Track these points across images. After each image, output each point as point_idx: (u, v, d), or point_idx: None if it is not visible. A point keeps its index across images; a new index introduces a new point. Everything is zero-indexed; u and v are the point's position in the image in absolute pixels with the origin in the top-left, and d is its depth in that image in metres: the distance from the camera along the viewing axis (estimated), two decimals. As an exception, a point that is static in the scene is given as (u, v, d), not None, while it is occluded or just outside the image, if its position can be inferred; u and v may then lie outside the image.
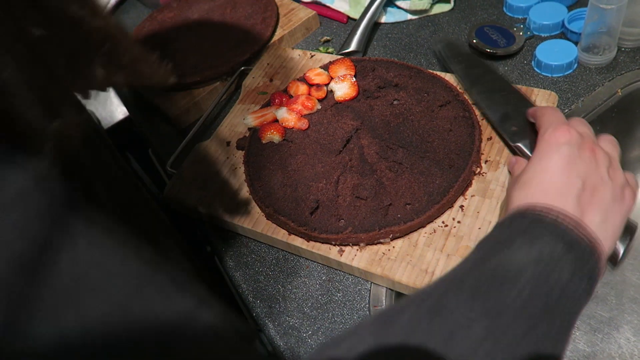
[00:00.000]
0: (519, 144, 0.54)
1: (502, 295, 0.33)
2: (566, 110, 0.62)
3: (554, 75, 0.66)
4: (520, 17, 0.75)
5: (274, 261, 0.57)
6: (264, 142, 0.62)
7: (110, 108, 1.02)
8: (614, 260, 0.44)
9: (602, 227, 0.40)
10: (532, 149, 0.51)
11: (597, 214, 0.41)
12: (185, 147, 0.68)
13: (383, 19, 0.81)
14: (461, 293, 0.34)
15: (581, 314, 0.62)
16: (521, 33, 0.71)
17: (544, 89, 0.61)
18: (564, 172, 0.42)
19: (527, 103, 0.57)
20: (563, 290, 0.35)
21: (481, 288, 0.34)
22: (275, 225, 0.56)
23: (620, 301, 0.64)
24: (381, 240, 0.52)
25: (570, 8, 0.71)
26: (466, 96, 0.61)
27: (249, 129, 0.66)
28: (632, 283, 0.65)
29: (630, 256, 0.68)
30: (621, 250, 0.44)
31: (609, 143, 0.47)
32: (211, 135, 0.68)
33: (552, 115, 0.48)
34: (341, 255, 0.53)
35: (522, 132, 0.54)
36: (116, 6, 1.02)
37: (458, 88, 0.62)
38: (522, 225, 0.39)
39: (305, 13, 0.82)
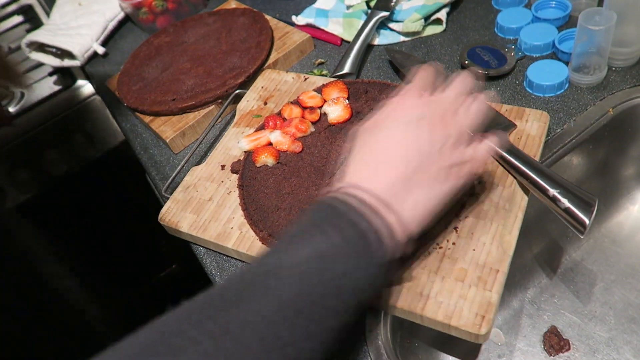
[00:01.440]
0: None
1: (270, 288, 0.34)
2: (559, 129, 0.63)
3: (546, 95, 0.66)
4: (511, 37, 0.75)
5: (268, 285, 0.56)
6: (258, 165, 0.62)
7: (108, 131, 1.02)
8: (581, 231, 0.49)
9: (412, 210, 0.40)
10: (500, 145, 0.54)
11: (416, 195, 0.40)
12: (180, 172, 0.69)
13: (376, 41, 0.82)
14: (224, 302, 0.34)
15: (580, 334, 0.61)
16: (512, 54, 0.71)
17: (536, 108, 0.62)
18: (394, 149, 0.41)
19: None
20: (339, 287, 0.35)
21: (245, 292, 0.34)
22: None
23: (619, 321, 0.64)
24: (375, 263, 0.51)
25: (560, 28, 0.72)
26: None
27: (244, 152, 0.66)
28: (631, 302, 0.65)
29: (627, 275, 0.67)
30: (587, 222, 0.48)
31: (471, 112, 0.45)
32: (206, 159, 0.68)
33: (414, 76, 0.46)
34: (335, 278, 0.52)
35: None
36: (113, 31, 1.03)
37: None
38: (315, 217, 0.39)
39: (299, 36, 0.83)
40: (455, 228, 0.53)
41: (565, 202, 0.50)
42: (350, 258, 0.36)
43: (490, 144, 0.46)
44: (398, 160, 0.41)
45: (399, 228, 0.39)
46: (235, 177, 0.64)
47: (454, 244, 0.52)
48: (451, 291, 0.48)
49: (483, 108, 0.46)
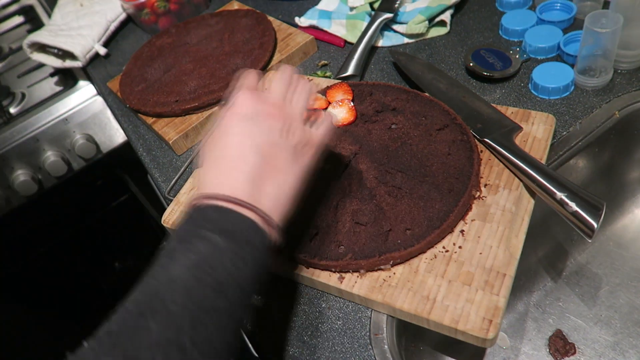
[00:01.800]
0: (486, 139, 0.58)
1: (164, 300, 0.36)
2: (564, 132, 0.62)
3: (551, 98, 0.66)
4: (516, 40, 0.75)
5: (272, 288, 0.56)
6: None
7: (109, 132, 1.02)
8: (588, 234, 0.48)
9: (274, 198, 0.42)
10: (498, 143, 0.57)
11: (270, 186, 0.42)
12: (183, 174, 0.68)
13: (380, 43, 0.82)
14: (126, 312, 0.36)
15: (585, 338, 0.61)
16: (517, 56, 0.71)
17: (542, 111, 0.62)
18: (238, 149, 0.43)
19: (483, 102, 0.62)
20: (233, 276, 0.38)
21: (147, 302, 0.36)
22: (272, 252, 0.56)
23: (625, 325, 0.63)
24: (381, 267, 0.51)
25: (565, 31, 0.72)
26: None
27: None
28: (636, 306, 0.64)
29: (633, 278, 0.67)
30: (596, 226, 0.48)
31: (298, 93, 0.48)
32: (209, 161, 0.68)
33: (239, 81, 0.48)
34: (341, 282, 0.52)
35: (487, 128, 0.59)
36: (115, 32, 1.03)
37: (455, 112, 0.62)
38: (189, 226, 0.40)
39: (302, 38, 0.83)
40: (462, 231, 0.53)
41: (573, 206, 0.49)
42: (226, 261, 0.38)
43: (328, 117, 0.50)
44: (242, 159, 0.43)
45: (262, 221, 0.41)
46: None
47: (460, 247, 0.51)
48: (458, 295, 0.48)
49: (308, 88, 0.50)
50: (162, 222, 0.63)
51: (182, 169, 0.69)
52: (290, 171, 0.44)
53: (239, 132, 0.44)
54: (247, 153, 0.43)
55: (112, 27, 1.01)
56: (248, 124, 0.44)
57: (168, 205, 0.65)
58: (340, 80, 0.72)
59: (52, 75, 1.05)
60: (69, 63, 0.98)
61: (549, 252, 0.70)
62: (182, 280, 0.37)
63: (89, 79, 0.99)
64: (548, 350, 0.63)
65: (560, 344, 0.63)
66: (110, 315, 0.36)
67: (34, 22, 1.22)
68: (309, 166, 0.47)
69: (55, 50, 0.97)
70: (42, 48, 0.98)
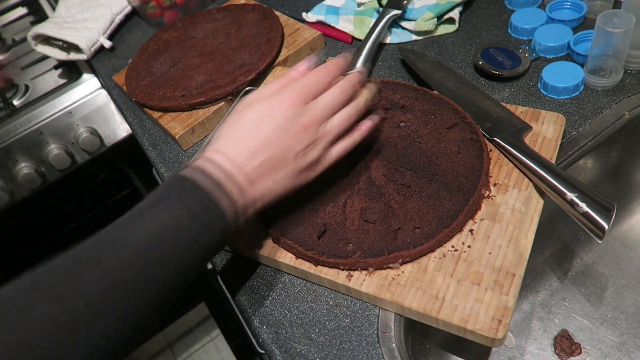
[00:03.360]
0: (496, 138, 0.58)
1: (105, 253, 0.37)
2: (574, 132, 0.62)
3: (561, 97, 0.66)
4: (525, 38, 0.75)
5: (280, 285, 0.56)
6: None
7: (114, 126, 1.01)
8: (599, 235, 0.49)
9: (266, 192, 0.46)
10: (508, 142, 0.57)
11: (269, 182, 0.46)
12: (190, 168, 0.68)
13: (388, 40, 0.82)
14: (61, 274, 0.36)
15: (591, 338, 0.61)
16: (527, 55, 0.71)
17: (551, 110, 0.61)
18: (264, 138, 0.45)
19: (492, 101, 0.63)
20: (180, 254, 0.39)
21: (92, 250, 0.38)
22: (282, 249, 0.56)
23: (630, 325, 0.63)
24: (390, 265, 0.51)
25: (575, 30, 0.72)
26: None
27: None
28: (642, 307, 0.64)
29: (639, 279, 0.67)
30: (606, 227, 0.48)
31: (342, 116, 0.49)
32: (216, 156, 0.67)
33: (319, 73, 0.49)
34: (350, 280, 0.52)
35: (497, 127, 0.59)
36: (120, 25, 1.02)
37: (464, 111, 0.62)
38: (166, 189, 0.42)
39: (310, 33, 0.83)
40: (471, 230, 0.52)
41: (584, 207, 0.49)
42: (193, 231, 0.40)
43: (344, 145, 0.51)
44: (262, 148, 0.45)
45: (244, 204, 0.44)
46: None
47: (469, 246, 0.51)
48: (467, 294, 0.48)
49: (357, 108, 0.51)
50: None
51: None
52: (288, 182, 0.47)
53: (270, 125, 0.45)
54: (265, 145, 0.45)
55: (118, 20, 1.01)
56: (285, 122, 0.46)
57: (174, 200, 0.64)
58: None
59: (56, 67, 1.05)
60: (73, 56, 0.97)
61: (555, 252, 0.69)
62: (144, 241, 0.39)
63: (94, 72, 0.98)
64: (554, 350, 0.63)
65: (566, 344, 0.63)
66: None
67: (37, 13, 1.22)
68: (309, 180, 0.50)
69: (60, 43, 0.97)
70: (47, 40, 0.97)
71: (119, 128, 1.02)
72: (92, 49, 0.96)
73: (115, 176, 1.10)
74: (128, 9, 1.02)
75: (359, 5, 0.87)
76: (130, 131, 1.01)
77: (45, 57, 1.06)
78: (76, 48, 0.96)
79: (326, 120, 0.49)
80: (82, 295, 0.35)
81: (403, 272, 0.51)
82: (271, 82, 0.50)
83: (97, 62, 0.97)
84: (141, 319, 0.38)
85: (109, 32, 0.99)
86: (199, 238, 0.41)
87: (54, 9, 1.15)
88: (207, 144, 0.48)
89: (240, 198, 0.44)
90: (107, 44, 0.96)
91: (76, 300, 0.35)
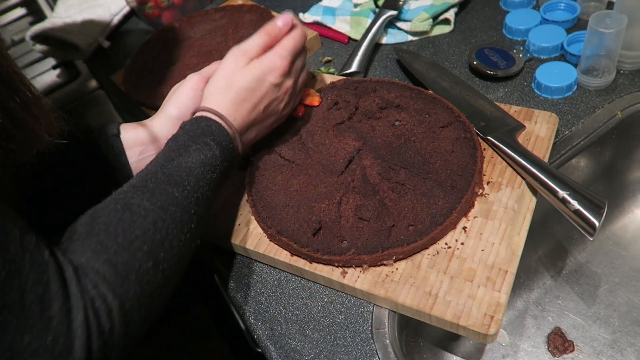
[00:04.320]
0: (490, 137, 0.59)
1: (172, 192, 0.46)
2: (567, 132, 0.63)
3: (554, 97, 0.66)
4: (519, 39, 0.76)
5: (275, 282, 0.56)
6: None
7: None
8: (590, 233, 0.50)
9: (251, 138, 0.58)
10: (501, 141, 0.58)
11: (255, 131, 0.58)
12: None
13: (384, 40, 0.82)
14: (145, 191, 0.46)
15: (584, 336, 0.62)
16: (521, 55, 0.71)
17: (544, 110, 0.62)
18: (249, 86, 0.55)
19: (487, 100, 0.64)
20: (211, 183, 0.50)
21: (159, 187, 0.46)
22: (277, 246, 0.56)
23: (623, 323, 0.64)
24: (384, 262, 0.52)
25: (569, 31, 0.72)
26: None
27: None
28: (635, 305, 0.65)
29: (631, 278, 0.68)
30: (597, 224, 0.49)
31: (304, 74, 0.62)
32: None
33: (290, 41, 0.58)
34: (344, 277, 0.52)
35: (490, 126, 0.60)
36: (119, 25, 1.03)
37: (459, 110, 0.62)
38: (197, 132, 0.52)
39: (306, 33, 0.83)
40: (464, 228, 0.53)
41: (575, 204, 0.50)
42: (217, 163, 0.51)
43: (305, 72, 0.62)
44: (249, 97, 0.55)
45: (240, 149, 0.56)
46: (243, 174, 0.64)
47: (462, 244, 0.52)
48: (460, 291, 0.48)
49: (306, 68, 0.63)
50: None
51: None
52: (268, 125, 0.60)
53: (248, 75, 0.55)
54: (253, 94, 0.55)
55: (116, 21, 1.01)
56: (258, 70, 0.55)
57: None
58: (344, 77, 0.73)
59: (54, 67, 1.05)
60: (71, 55, 0.98)
61: (549, 250, 0.70)
62: (194, 170, 0.49)
63: (92, 71, 0.99)
64: (547, 347, 0.64)
65: (559, 342, 0.63)
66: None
67: (36, 14, 1.22)
68: (283, 118, 0.62)
69: (59, 43, 0.97)
70: (46, 40, 0.98)
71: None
72: (91, 49, 0.96)
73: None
74: (126, 9, 1.03)
75: (356, 6, 0.87)
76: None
77: (44, 57, 1.06)
78: (75, 48, 0.96)
79: (293, 74, 0.59)
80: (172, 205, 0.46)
81: (397, 269, 0.51)
82: (258, 35, 0.57)
83: (96, 62, 0.97)
84: (196, 230, 0.48)
85: (107, 32, 0.99)
86: (225, 166, 0.53)
87: (52, 9, 1.16)
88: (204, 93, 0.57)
89: (239, 144, 0.55)
90: (106, 44, 0.97)
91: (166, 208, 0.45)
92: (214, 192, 0.52)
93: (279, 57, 0.56)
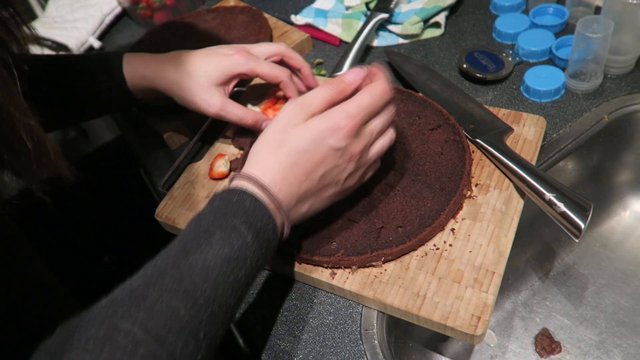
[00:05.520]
0: (478, 140, 0.59)
1: (178, 309, 0.37)
2: (554, 135, 0.64)
3: (542, 101, 0.67)
4: (509, 43, 0.76)
5: (264, 283, 0.56)
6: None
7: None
8: (576, 235, 0.50)
9: (300, 216, 0.47)
10: (490, 144, 0.58)
11: (307, 205, 0.47)
12: (177, 168, 0.68)
13: (375, 43, 0.83)
14: (139, 309, 0.36)
15: (571, 337, 0.62)
16: (510, 59, 0.72)
17: (533, 113, 0.63)
18: (309, 159, 0.45)
19: (476, 103, 0.65)
20: (239, 281, 0.40)
21: (159, 304, 0.36)
22: (267, 247, 0.56)
23: (609, 324, 0.65)
24: (373, 264, 0.52)
25: (557, 35, 0.73)
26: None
27: (241, 150, 0.66)
28: (621, 306, 0.66)
29: (618, 279, 0.68)
30: (583, 226, 0.49)
31: (381, 144, 0.50)
32: (203, 157, 0.68)
33: (368, 98, 0.47)
34: (333, 278, 0.52)
35: (479, 129, 0.61)
36: (110, 25, 1.03)
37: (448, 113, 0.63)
38: (225, 211, 0.42)
39: (298, 35, 0.84)
40: (453, 230, 0.53)
41: (561, 206, 0.50)
42: (250, 260, 0.41)
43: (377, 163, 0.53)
44: (307, 176, 0.45)
45: (285, 228, 0.46)
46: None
47: (450, 245, 0.52)
48: (447, 292, 0.49)
49: (390, 135, 0.51)
50: (155, 217, 0.63)
51: (176, 163, 0.69)
52: (326, 203, 0.49)
53: (321, 152, 0.45)
54: (313, 174, 0.46)
55: (107, 21, 1.01)
56: (336, 154, 0.46)
57: (161, 199, 0.65)
58: (335, 79, 0.73)
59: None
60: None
61: (536, 252, 0.71)
62: (213, 272, 0.39)
63: (83, 72, 0.98)
64: (534, 348, 0.65)
65: (546, 342, 0.64)
66: (138, 275, 0.39)
67: (27, 13, 1.22)
68: (342, 196, 0.52)
69: (49, 43, 0.97)
70: (36, 40, 0.97)
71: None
72: (82, 49, 0.96)
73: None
74: (118, 9, 1.03)
75: (347, 8, 0.88)
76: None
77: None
78: (65, 48, 0.96)
79: (368, 148, 0.49)
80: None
81: (386, 270, 0.52)
82: (319, 90, 0.47)
83: (87, 62, 0.97)
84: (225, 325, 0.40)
85: (98, 32, 0.99)
86: (261, 254, 0.43)
87: (43, 8, 1.15)
88: (246, 158, 0.48)
89: (285, 221, 0.45)
90: (97, 44, 0.97)
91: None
92: (239, 297, 0.41)
93: (345, 114, 0.45)
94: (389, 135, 0.51)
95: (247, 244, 0.41)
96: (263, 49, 0.64)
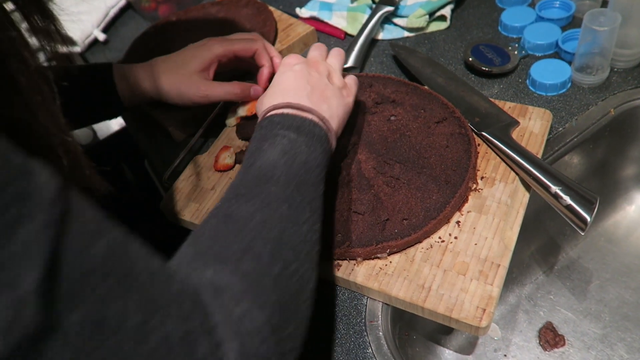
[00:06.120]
0: (484, 133, 0.59)
1: (267, 189, 0.43)
2: (560, 128, 0.63)
3: (548, 94, 0.67)
4: (515, 36, 0.76)
5: (270, 275, 0.57)
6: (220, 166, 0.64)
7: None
8: (582, 227, 0.50)
9: (329, 113, 0.52)
10: (496, 137, 0.58)
11: (325, 105, 0.52)
12: (182, 160, 0.68)
13: (380, 36, 0.82)
14: (240, 197, 0.42)
15: (575, 331, 0.63)
16: (516, 52, 0.72)
17: (539, 107, 0.62)
18: (297, 80, 0.53)
19: (481, 96, 0.64)
20: (306, 164, 0.46)
21: (252, 190, 0.43)
22: (272, 239, 0.56)
23: (613, 318, 0.65)
24: (378, 255, 0.52)
25: (564, 28, 0.73)
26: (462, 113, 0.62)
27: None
28: (625, 301, 0.66)
29: (622, 274, 0.68)
30: (589, 219, 0.49)
31: (333, 57, 0.59)
32: (208, 149, 0.68)
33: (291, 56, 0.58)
34: (338, 269, 0.53)
35: (485, 122, 0.61)
36: (115, 18, 1.03)
37: (454, 105, 0.63)
38: (262, 132, 0.49)
39: (303, 28, 0.83)
40: (458, 222, 0.53)
41: (567, 199, 0.50)
42: (303, 148, 0.47)
43: (353, 76, 0.61)
44: (298, 88, 0.53)
45: (320, 122, 0.50)
46: (239, 167, 0.64)
47: (456, 237, 0.52)
48: (453, 284, 0.49)
49: (339, 54, 0.60)
50: (160, 208, 0.63)
51: (181, 155, 0.69)
52: (338, 101, 0.54)
53: (292, 75, 0.54)
54: (302, 85, 0.52)
55: (112, 13, 1.01)
56: (298, 68, 0.54)
57: (165, 191, 0.65)
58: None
59: (48, 60, 1.05)
60: (66, 48, 0.97)
61: (541, 246, 0.71)
62: (278, 162, 0.45)
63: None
64: (538, 341, 0.65)
65: (550, 336, 0.64)
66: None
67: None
68: (350, 107, 0.57)
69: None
70: (70, 43, 0.97)
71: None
72: (86, 42, 0.96)
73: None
74: (122, 2, 1.02)
75: (352, 1, 0.88)
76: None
77: (37, 50, 1.05)
78: (69, 41, 0.96)
79: (323, 62, 0.58)
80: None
81: (391, 262, 0.52)
82: (309, 57, 0.58)
83: (91, 55, 0.97)
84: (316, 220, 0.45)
85: (103, 25, 0.99)
86: (311, 142, 0.48)
87: (48, 1, 1.15)
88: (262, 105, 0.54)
89: (315, 116, 0.51)
90: (101, 36, 0.97)
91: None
92: (314, 174, 0.46)
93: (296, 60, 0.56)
94: (338, 51, 0.60)
95: (293, 139, 0.47)
96: (237, 36, 0.71)
